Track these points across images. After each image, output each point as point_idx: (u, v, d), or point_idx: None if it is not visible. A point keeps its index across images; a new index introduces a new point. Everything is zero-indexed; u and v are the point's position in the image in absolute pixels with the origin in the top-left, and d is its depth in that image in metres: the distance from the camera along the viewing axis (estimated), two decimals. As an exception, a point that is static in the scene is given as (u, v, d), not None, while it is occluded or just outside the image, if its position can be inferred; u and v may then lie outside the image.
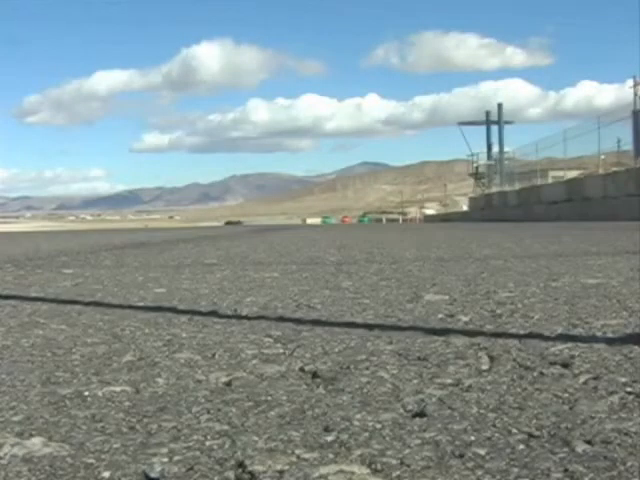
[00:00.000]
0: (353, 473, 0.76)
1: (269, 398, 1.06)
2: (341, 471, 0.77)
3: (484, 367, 1.23)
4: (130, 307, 2.07)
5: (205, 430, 0.91)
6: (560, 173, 25.86)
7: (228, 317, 1.84)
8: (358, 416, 0.96)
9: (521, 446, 0.83)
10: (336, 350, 1.39)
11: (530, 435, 0.87)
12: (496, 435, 0.87)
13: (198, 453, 0.83)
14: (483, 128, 47.04)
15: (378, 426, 0.91)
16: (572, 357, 1.29)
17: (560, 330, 1.57)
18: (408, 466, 0.78)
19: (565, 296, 2.13)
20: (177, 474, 0.77)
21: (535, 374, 1.18)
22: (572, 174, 24.81)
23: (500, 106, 46.51)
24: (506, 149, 40.83)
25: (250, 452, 0.83)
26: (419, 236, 7.38)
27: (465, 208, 46.30)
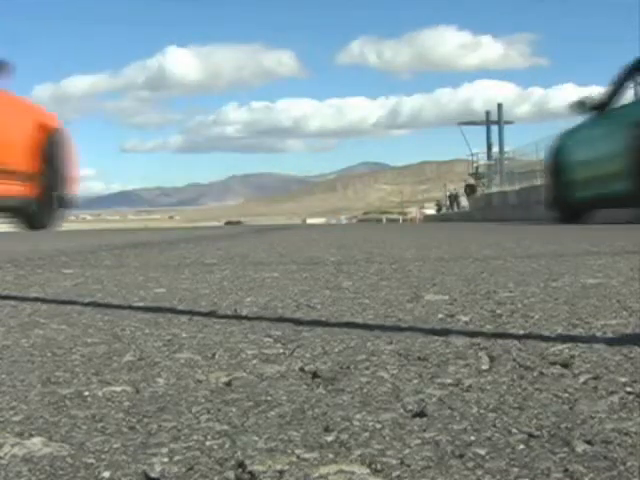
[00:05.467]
0: (353, 473, 0.76)
1: (269, 398, 1.06)
2: (341, 471, 0.77)
3: (484, 367, 1.23)
4: (130, 307, 2.07)
5: (205, 430, 0.91)
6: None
7: (228, 317, 1.84)
8: (358, 416, 0.96)
9: (521, 446, 0.83)
10: (336, 350, 1.39)
11: (530, 435, 0.87)
12: (496, 435, 0.87)
13: (198, 453, 0.83)
14: (483, 128, 47.01)
15: (378, 426, 0.91)
16: (572, 357, 1.29)
17: (560, 330, 1.57)
18: (408, 466, 0.78)
19: (565, 296, 2.13)
20: (177, 474, 0.77)
21: (535, 374, 1.18)
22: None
23: (500, 106, 46.47)
24: (506, 149, 40.82)
25: (250, 452, 0.83)
26: (419, 236, 7.38)
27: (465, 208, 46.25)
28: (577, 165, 8.75)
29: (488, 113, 47.66)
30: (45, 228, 7.21)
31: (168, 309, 2.02)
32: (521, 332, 1.56)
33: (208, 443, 0.86)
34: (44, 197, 6.90)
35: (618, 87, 8.50)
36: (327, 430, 0.90)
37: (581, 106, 8.96)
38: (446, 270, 3.03)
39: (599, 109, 8.58)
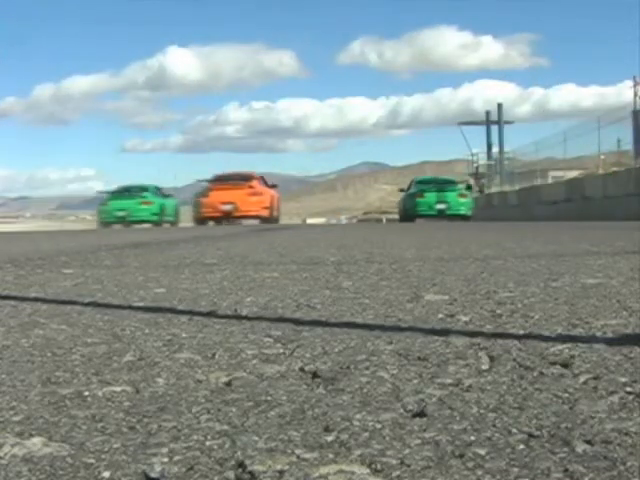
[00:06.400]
0: (353, 473, 0.76)
1: (269, 398, 1.06)
2: (341, 471, 0.77)
3: (484, 367, 1.23)
4: (130, 307, 2.07)
5: (205, 430, 0.91)
6: (560, 173, 25.85)
7: (228, 317, 1.85)
8: (358, 416, 0.96)
9: (521, 446, 0.83)
10: (336, 350, 1.39)
11: (530, 435, 0.87)
12: (496, 435, 0.87)
13: (198, 453, 0.83)
14: (483, 128, 46.96)
15: (378, 426, 0.91)
16: (572, 357, 1.29)
17: (560, 330, 1.57)
18: (408, 466, 0.78)
19: (565, 296, 2.13)
20: (177, 474, 0.77)
21: (535, 374, 1.18)
22: (572, 174, 24.82)
23: (500, 106, 46.43)
24: (506, 149, 40.82)
25: (250, 452, 0.83)
26: (419, 236, 7.38)
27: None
28: (401, 204, 24.12)
29: (488, 113, 47.58)
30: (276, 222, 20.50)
31: (168, 309, 2.02)
32: (521, 332, 1.56)
33: (208, 443, 0.86)
34: (278, 216, 22.01)
35: (410, 185, 22.65)
36: (327, 430, 0.90)
37: (401, 190, 23.73)
38: (446, 270, 3.03)
39: (406, 190, 22.61)
